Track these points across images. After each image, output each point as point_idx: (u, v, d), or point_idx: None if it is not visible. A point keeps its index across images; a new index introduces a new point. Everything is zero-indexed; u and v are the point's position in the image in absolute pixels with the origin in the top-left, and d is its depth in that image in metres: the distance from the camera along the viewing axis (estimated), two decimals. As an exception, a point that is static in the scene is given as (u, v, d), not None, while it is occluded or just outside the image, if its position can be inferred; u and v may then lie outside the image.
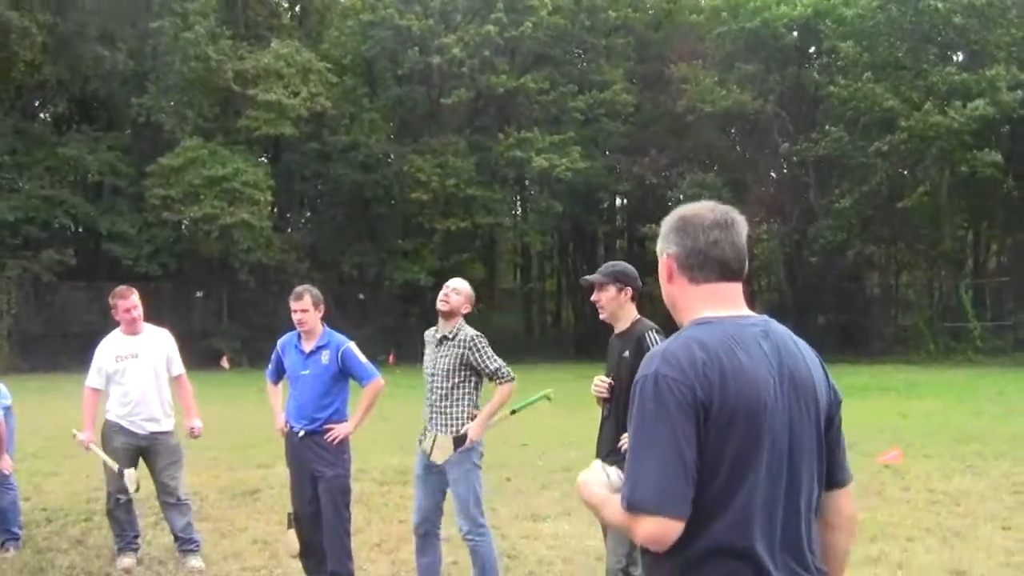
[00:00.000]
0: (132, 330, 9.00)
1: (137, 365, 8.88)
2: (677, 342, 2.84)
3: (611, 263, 6.58)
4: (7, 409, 9.44)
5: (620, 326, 6.39)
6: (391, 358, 40.42)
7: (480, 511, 7.35)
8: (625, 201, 56.48)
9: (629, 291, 6.33)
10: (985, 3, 40.44)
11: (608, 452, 6.04)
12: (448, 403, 7.30)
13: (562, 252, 61.17)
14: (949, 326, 43.91)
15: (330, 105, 44.93)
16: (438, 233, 45.84)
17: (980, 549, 9.20)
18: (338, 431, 7.88)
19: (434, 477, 7.33)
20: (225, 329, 44.08)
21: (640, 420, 2.76)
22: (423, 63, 46.00)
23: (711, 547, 2.74)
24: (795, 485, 2.85)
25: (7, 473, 9.35)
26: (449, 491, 7.36)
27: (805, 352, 2.98)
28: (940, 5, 40.34)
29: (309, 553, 8.03)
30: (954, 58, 44.20)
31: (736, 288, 2.99)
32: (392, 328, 43.37)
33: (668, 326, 3.13)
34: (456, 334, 7.36)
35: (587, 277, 6.53)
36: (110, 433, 8.93)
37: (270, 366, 8.44)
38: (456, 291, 7.40)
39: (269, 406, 8.52)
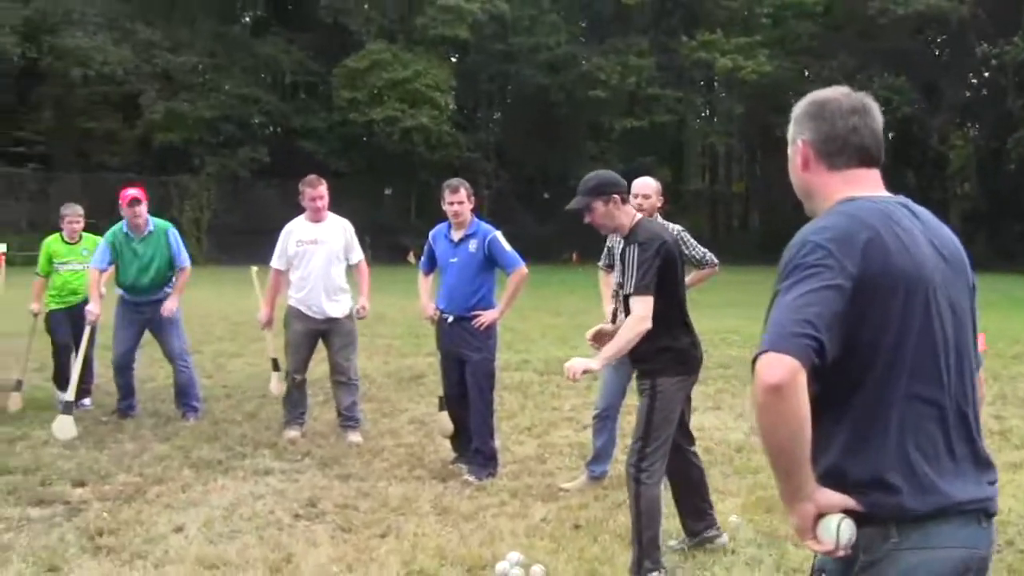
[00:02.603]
0: (316, 218, 9.46)
1: (316, 251, 9.35)
2: (831, 217, 2.72)
3: (585, 179, 6.10)
4: None
5: (623, 232, 6.03)
6: (575, 257, 40.75)
7: None
8: (814, 103, 55.21)
9: (616, 198, 5.93)
10: None
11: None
12: None
13: (750, 155, 60.38)
14: None
15: (507, 8, 45.02)
16: (617, 133, 45.78)
17: None
18: (485, 317, 8.18)
19: (625, 366, 7.21)
20: (413, 225, 45.03)
21: (781, 282, 2.64)
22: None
23: (901, 416, 2.63)
24: (960, 368, 2.74)
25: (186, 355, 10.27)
26: None
27: (951, 232, 2.87)
28: None
29: (458, 433, 8.48)
30: None
31: (875, 173, 2.86)
32: (577, 227, 43.55)
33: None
34: None
35: (569, 206, 6.14)
36: (289, 318, 9.47)
37: (423, 258, 8.79)
38: (645, 196, 7.54)
39: (419, 295, 8.89)
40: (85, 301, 10.42)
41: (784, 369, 2.45)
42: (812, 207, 2.89)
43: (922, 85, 45.23)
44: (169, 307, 10.12)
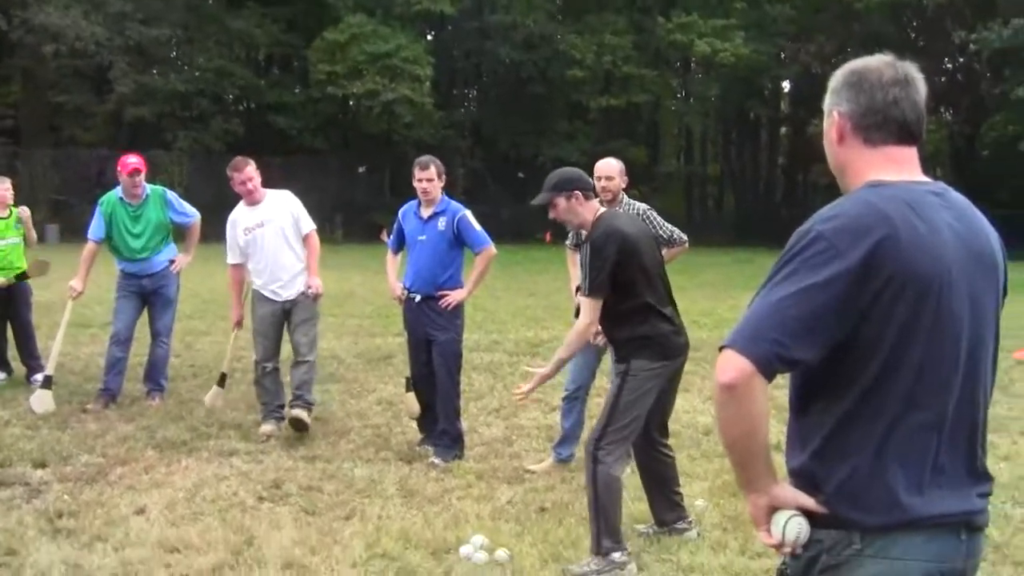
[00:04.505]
0: (252, 200, 9.01)
1: (264, 233, 8.90)
2: (847, 203, 2.56)
3: (550, 176, 6.15)
4: None
5: (586, 228, 6.03)
6: (548, 236, 40.77)
7: None
8: (789, 86, 55.39)
9: (578, 194, 5.95)
10: None
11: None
12: None
13: (725, 137, 60.54)
14: None
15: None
16: (594, 112, 45.76)
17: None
18: (452, 297, 8.13)
19: (594, 347, 7.31)
20: (387, 203, 44.84)
21: (774, 272, 2.52)
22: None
23: (891, 422, 2.49)
24: (974, 374, 2.59)
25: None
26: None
27: (987, 225, 2.69)
28: None
29: (425, 413, 8.41)
30: None
31: (912, 152, 2.67)
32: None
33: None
34: (627, 210, 7.52)
35: (534, 201, 6.16)
36: (254, 302, 9.07)
37: (392, 236, 8.70)
38: (608, 177, 7.56)
39: (386, 274, 8.81)
40: (20, 275, 10.63)
41: (737, 371, 2.42)
42: (844, 183, 2.71)
43: (899, 70, 45.35)
44: (180, 262, 10.17)
